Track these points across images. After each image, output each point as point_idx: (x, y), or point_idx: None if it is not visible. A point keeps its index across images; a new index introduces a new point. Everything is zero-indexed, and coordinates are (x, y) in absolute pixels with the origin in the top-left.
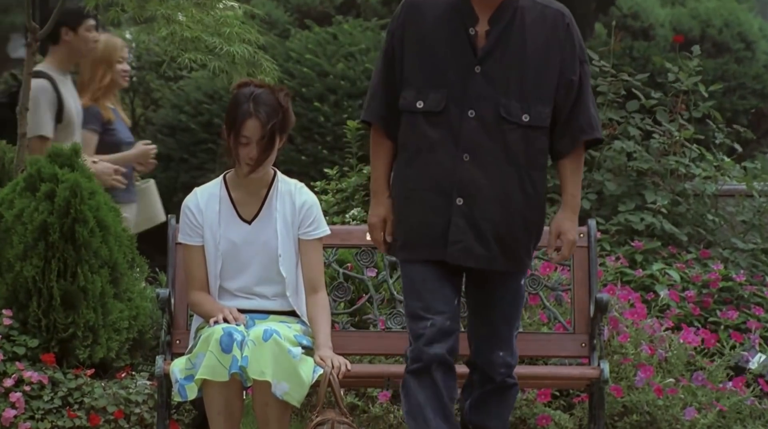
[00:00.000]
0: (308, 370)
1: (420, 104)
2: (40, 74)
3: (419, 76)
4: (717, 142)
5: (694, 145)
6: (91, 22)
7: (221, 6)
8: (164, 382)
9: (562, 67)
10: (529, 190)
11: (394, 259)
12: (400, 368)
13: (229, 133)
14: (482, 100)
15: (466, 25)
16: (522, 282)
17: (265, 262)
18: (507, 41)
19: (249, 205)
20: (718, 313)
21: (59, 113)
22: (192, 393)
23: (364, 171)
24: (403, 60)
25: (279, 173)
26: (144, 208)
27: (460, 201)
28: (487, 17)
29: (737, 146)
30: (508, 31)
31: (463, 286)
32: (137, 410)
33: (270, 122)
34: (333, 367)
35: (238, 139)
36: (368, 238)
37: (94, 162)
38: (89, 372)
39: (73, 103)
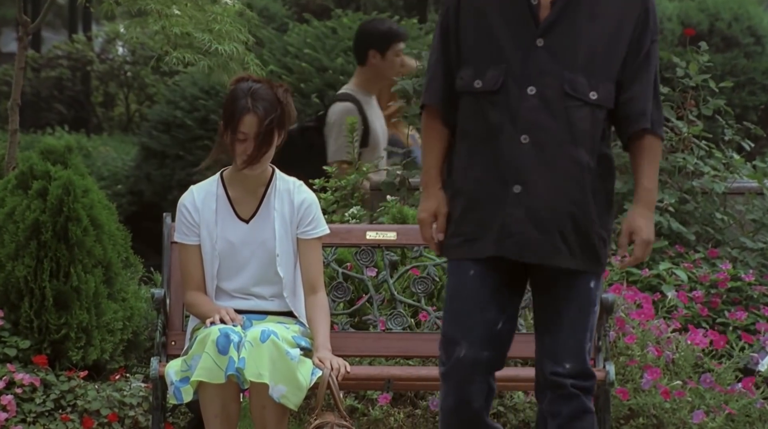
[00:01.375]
0: (306, 373)
1: (478, 83)
2: (346, 97)
3: (476, 53)
4: (726, 138)
5: (703, 141)
6: (400, 45)
7: (218, 0)
8: (159, 384)
9: (632, 42)
10: (596, 176)
11: (394, 258)
12: (400, 370)
13: (226, 128)
14: (545, 75)
15: None
16: (592, 285)
17: (262, 262)
18: (575, 11)
19: (246, 204)
20: (727, 313)
21: (365, 136)
22: (188, 395)
23: (364, 169)
24: (459, 35)
25: (277, 171)
26: None
27: (517, 188)
28: None
29: (747, 143)
30: (576, 0)
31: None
32: (131, 413)
33: (267, 118)
34: (332, 369)
35: (236, 135)
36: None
37: None
38: (82, 374)
39: (379, 126)
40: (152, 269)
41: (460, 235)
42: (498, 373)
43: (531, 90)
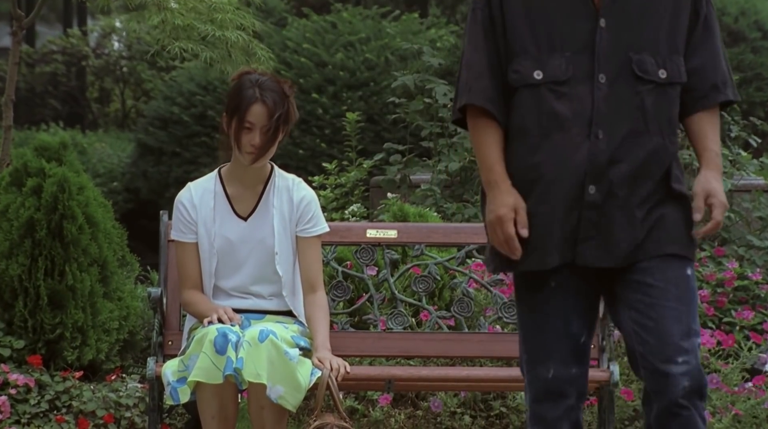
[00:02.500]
0: (306, 373)
1: (539, 75)
2: None
3: (531, 42)
4: (732, 135)
5: None
6: None
7: None
8: (156, 384)
9: (691, 11)
10: (674, 160)
11: (395, 256)
12: (401, 370)
13: (231, 118)
14: (612, 58)
15: None
16: (689, 272)
17: (261, 261)
18: None
19: (245, 201)
20: (734, 313)
21: None
22: (185, 396)
23: (364, 165)
24: (505, 27)
25: (276, 168)
26: None
27: (592, 189)
28: None
29: (754, 139)
30: None
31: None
32: (128, 414)
33: (277, 110)
34: (332, 369)
35: (242, 125)
36: (493, 241)
37: None
38: (78, 374)
39: None
40: (149, 268)
41: (529, 246)
42: (500, 374)
43: (602, 77)
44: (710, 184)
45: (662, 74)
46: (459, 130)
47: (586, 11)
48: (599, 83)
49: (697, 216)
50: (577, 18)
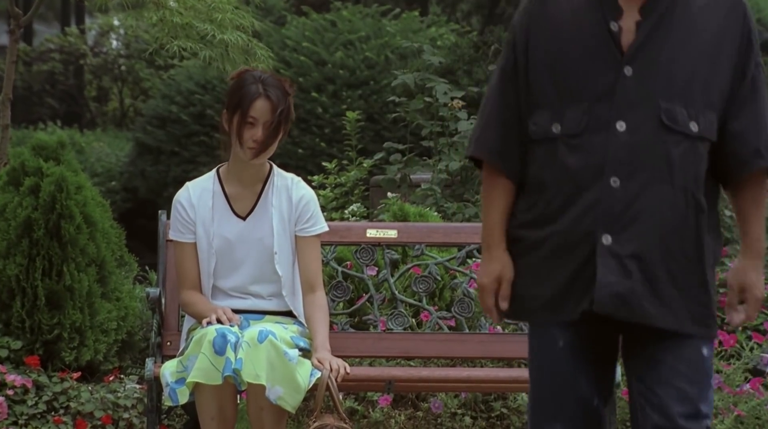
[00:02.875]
0: (305, 374)
1: (557, 128)
2: None
3: (552, 92)
4: None
5: None
6: None
7: None
8: (154, 385)
9: (735, 66)
10: (701, 221)
11: (395, 256)
12: (401, 371)
13: (233, 114)
14: (636, 106)
15: (606, 19)
16: (704, 352)
17: (260, 260)
18: (667, 32)
19: (243, 200)
20: None
21: None
22: (183, 397)
23: (364, 164)
24: (529, 74)
25: (275, 167)
26: None
27: (607, 239)
28: (636, 7)
29: None
30: (668, 20)
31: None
32: (126, 415)
33: (280, 106)
34: (331, 370)
35: (245, 119)
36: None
37: None
38: (75, 375)
39: None
40: (147, 268)
41: (540, 297)
42: (500, 375)
43: (620, 125)
44: (747, 276)
45: (693, 127)
46: (460, 129)
47: (611, 59)
48: (617, 131)
49: (733, 317)
50: (600, 66)
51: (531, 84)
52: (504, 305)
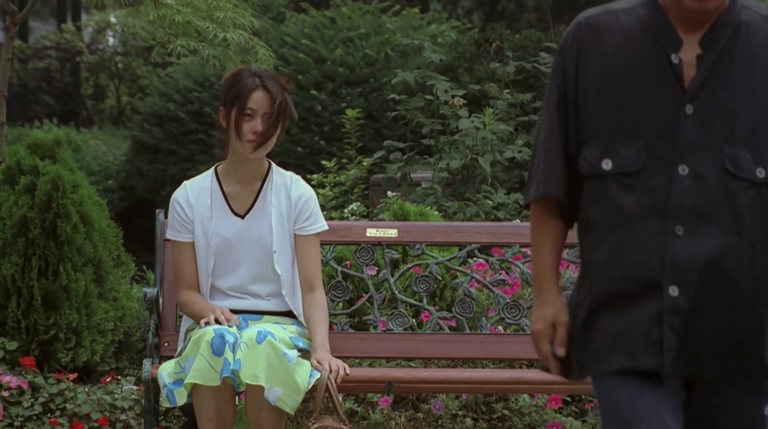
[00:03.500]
0: (304, 375)
1: (607, 165)
2: None
3: (604, 126)
4: None
5: None
6: None
7: None
8: (152, 386)
9: None
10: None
11: (396, 256)
12: (401, 372)
13: (231, 108)
14: (698, 150)
15: (666, 50)
16: (766, 412)
17: (259, 259)
18: (729, 68)
19: (242, 199)
20: None
21: None
22: (181, 398)
23: (364, 163)
24: (579, 105)
25: (274, 165)
26: None
27: (674, 291)
28: (696, 38)
29: None
30: (729, 55)
31: None
32: (123, 417)
33: (278, 98)
34: (331, 370)
35: (243, 112)
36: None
37: None
38: (72, 376)
39: None
40: (144, 267)
41: (601, 346)
42: (502, 376)
43: (683, 169)
44: None
45: (760, 173)
46: (460, 127)
47: (672, 95)
48: (679, 175)
49: None
50: (659, 102)
51: (581, 116)
52: (561, 351)
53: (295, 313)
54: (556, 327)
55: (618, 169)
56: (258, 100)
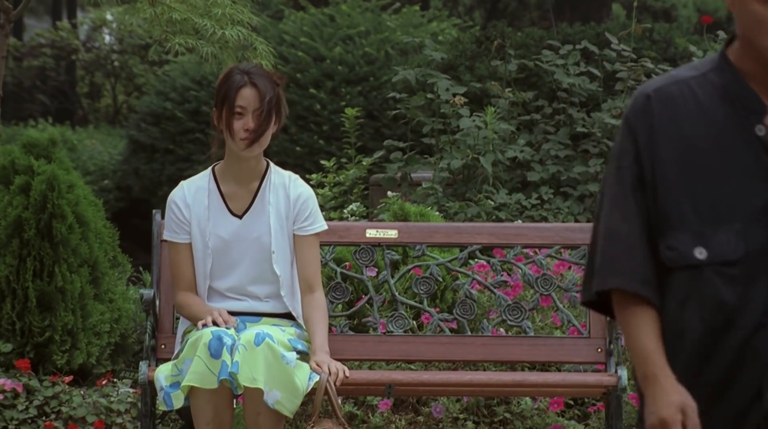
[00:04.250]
0: (303, 377)
1: (702, 253)
2: None
3: (690, 212)
4: None
5: None
6: None
7: None
8: (148, 389)
9: None
10: None
11: (396, 257)
12: (401, 374)
13: (221, 108)
14: None
15: (750, 120)
16: None
17: (257, 259)
18: None
19: (240, 199)
20: None
21: None
22: (178, 401)
23: (364, 163)
24: (657, 191)
25: (272, 164)
26: None
27: None
28: None
29: None
30: None
31: None
32: (119, 420)
33: (267, 93)
34: (330, 373)
35: (233, 110)
36: None
37: None
38: (67, 379)
39: None
40: (141, 269)
41: None
42: (503, 378)
43: None
44: None
45: None
46: (462, 126)
47: (761, 170)
48: None
49: None
50: (748, 180)
51: (660, 201)
52: None
53: (294, 314)
54: (686, 413)
55: (716, 259)
56: (247, 96)
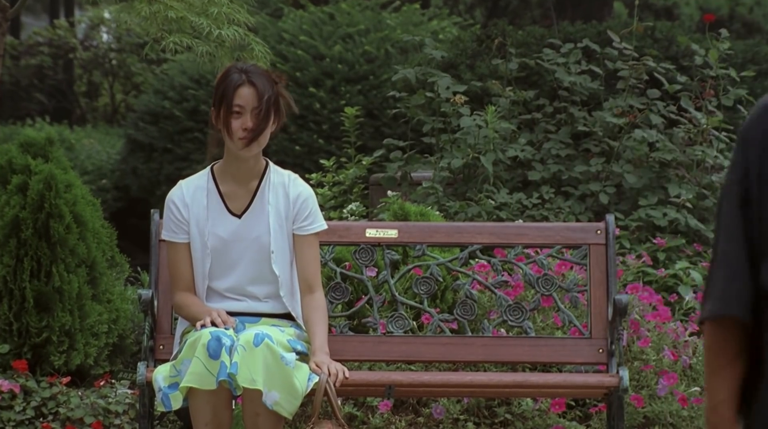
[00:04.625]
0: (303, 378)
1: None
2: None
3: None
4: None
5: (723, 133)
6: None
7: None
8: (146, 390)
9: None
10: None
11: (396, 257)
12: (401, 375)
13: (219, 107)
14: None
15: None
16: None
17: (256, 259)
18: None
19: (239, 198)
20: None
21: None
22: (177, 402)
23: (363, 162)
24: (762, 211)
25: (271, 164)
26: None
27: None
28: None
29: None
30: None
31: None
32: (117, 421)
33: (266, 92)
34: (330, 374)
35: (231, 109)
36: None
37: None
38: (65, 380)
39: None
40: (139, 269)
41: None
42: (504, 379)
43: None
44: None
45: None
46: (462, 125)
47: None
48: None
49: None
50: None
51: (765, 221)
52: None
53: (293, 315)
54: None
55: None
56: (245, 95)
